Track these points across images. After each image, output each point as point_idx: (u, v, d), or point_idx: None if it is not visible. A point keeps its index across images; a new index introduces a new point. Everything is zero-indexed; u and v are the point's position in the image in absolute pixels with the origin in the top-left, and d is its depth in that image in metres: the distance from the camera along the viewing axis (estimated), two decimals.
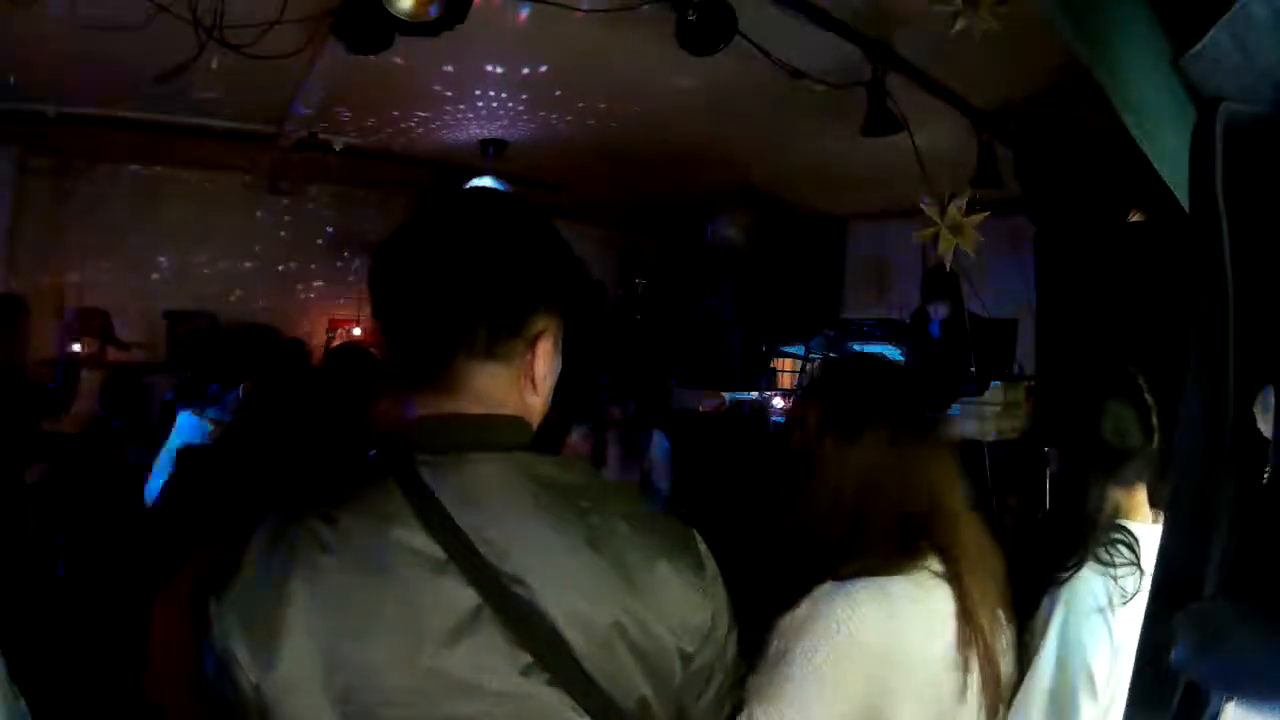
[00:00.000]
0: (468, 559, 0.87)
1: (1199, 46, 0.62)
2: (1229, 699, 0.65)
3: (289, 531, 0.90)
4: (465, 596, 0.87)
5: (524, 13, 2.88)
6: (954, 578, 1.21)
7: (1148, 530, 1.61)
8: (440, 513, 0.88)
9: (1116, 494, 1.64)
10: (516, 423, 0.97)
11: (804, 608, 1.16)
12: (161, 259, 5.52)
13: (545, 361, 0.98)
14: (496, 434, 0.95)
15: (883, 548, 1.21)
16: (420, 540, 0.88)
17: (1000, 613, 1.29)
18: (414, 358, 0.96)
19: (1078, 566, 1.56)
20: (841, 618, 1.14)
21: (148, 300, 5.38)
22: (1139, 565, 1.55)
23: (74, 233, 5.19)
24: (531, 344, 0.97)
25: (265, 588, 0.87)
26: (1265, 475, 0.66)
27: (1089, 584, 1.54)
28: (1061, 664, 1.49)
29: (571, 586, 0.88)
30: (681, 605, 0.92)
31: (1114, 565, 1.55)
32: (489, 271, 0.94)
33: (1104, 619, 1.52)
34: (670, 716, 0.93)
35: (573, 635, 0.87)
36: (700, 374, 5.87)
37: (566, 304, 1.01)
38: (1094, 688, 1.49)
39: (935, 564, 1.22)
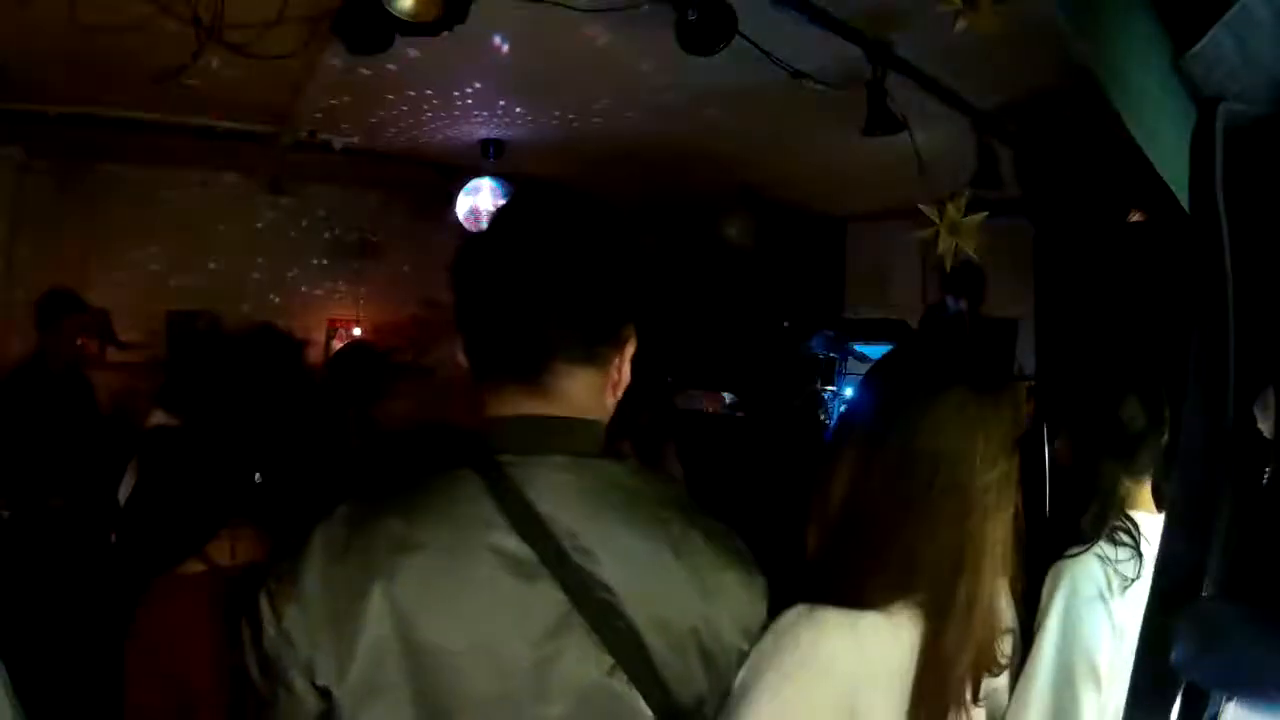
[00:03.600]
0: (559, 563, 0.87)
1: (1199, 46, 0.62)
2: (1229, 699, 0.65)
3: (363, 530, 0.88)
4: (556, 601, 0.87)
5: (523, 13, 2.87)
6: (931, 630, 1.06)
7: (1153, 520, 1.63)
8: (531, 515, 0.88)
9: (1127, 483, 1.66)
10: (595, 427, 0.97)
11: (768, 640, 1.03)
12: (161, 259, 5.51)
13: (628, 366, 1.00)
14: (578, 438, 0.95)
15: (867, 576, 1.07)
16: (511, 542, 0.87)
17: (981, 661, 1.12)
18: (508, 357, 0.95)
19: (1084, 549, 1.57)
20: (807, 649, 1.02)
21: (148, 300, 5.37)
22: (1139, 552, 1.57)
23: (74, 233, 5.19)
24: (620, 349, 0.99)
25: (339, 589, 0.85)
26: (1265, 475, 0.66)
27: (1089, 571, 1.55)
28: (1062, 652, 1.49)
29: (656, 594, 0.90)
30: (746, 610, 0.96)
31: (1115, 549, 1.57)
32: (592, 278, 0.95)
33: (1104, 605, 1.53)
34: (715, 709, 0.95)
35: (652, 640, 0.88)
36: (699, 374, 5.87)
37: (644, 311, 1.02)
38: (1097, 676, 1.49)
39: (918, 599, 1.07)
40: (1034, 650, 1.48)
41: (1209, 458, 0.65)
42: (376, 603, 0.84)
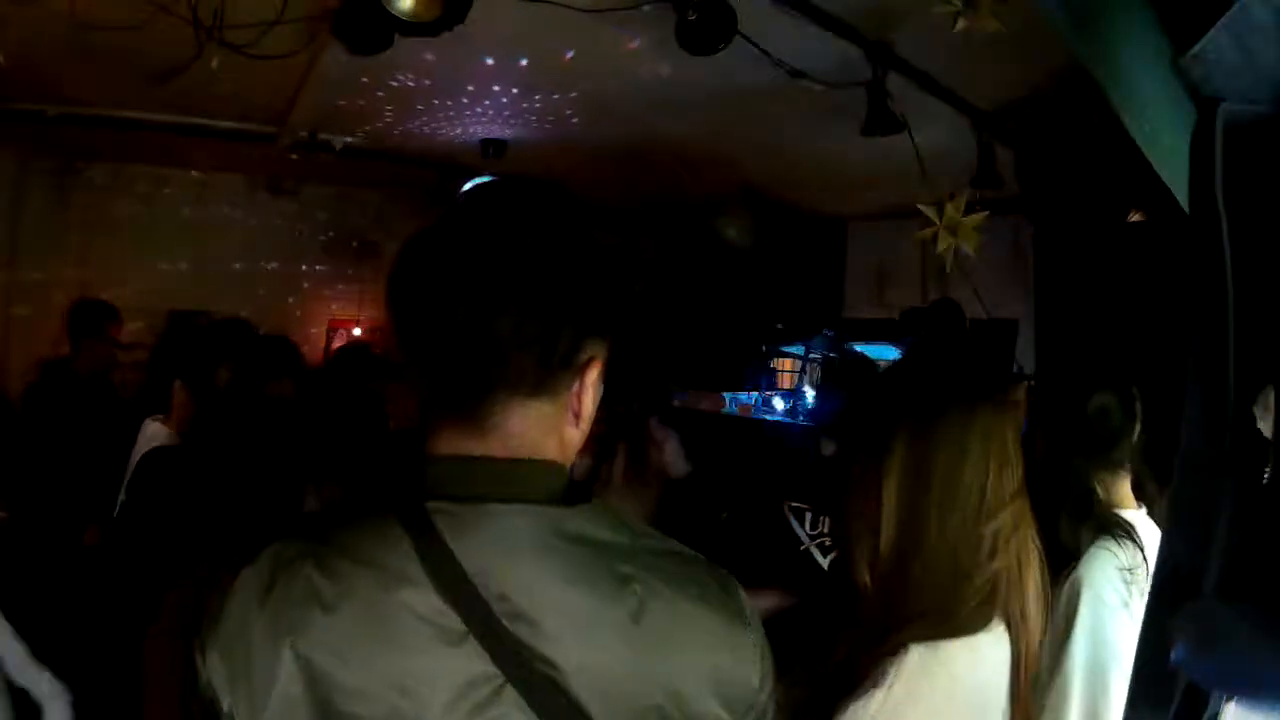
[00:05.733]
0: (489, 630, 0.76)
1: (1199, 46, 0.62)
2: (1229, 699, 0.65)
3: (281, 579, 0.79)
4: (484, 673, 0.76)
5: (524, 13, 2.87)
6: (1016, 633, 1.15)
7: (1134, 516, 1.66)
8: (458, 574, 0.77)
9: (1104, 479, 1.68)
10: (550, 469, 0.84)
11: (899, 689, 1.06)
12: (161, 259, 5.52)
13: (593, 393, 0.86)
14: (527, 483, 0.82)
15: (962, 602, 1.12)
16: (433, 604, 0.76)
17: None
18: (444, 390, 0.83)
19: (1079, 551, 1.58)
20: (944, 690, 1.08)
21: (148, 300, 5.37)
22: (1141, 547, 1.59)
23: (74, 233, 5.19)
24: (580, 374, 0.84)
25: (253, 642, 0.77)
26: (1265, 475, 0.66)
27: (1108, 579, 1.57)
28: (1092, 665, 1.51)
29: (608, 667, 0.77)
30: (730, 674, 0.81)
31: (1123, 552, 1.59)
32: (541, 295, 0.80)
33: (1128, 613, 1.55)
34: None
35: (601, 717, 0.77)
36: (700, 374, 5.87)
37: (617, 325, 0.89)
38: (1124, 669, 1.51)
39: (1001, 612, 1.15)
40: (1063, 659, 1.50)
41: (1209, 458, 0.65)
42: (287, 660, 0.76)
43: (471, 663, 0.76)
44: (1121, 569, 1.56)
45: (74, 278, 5.17)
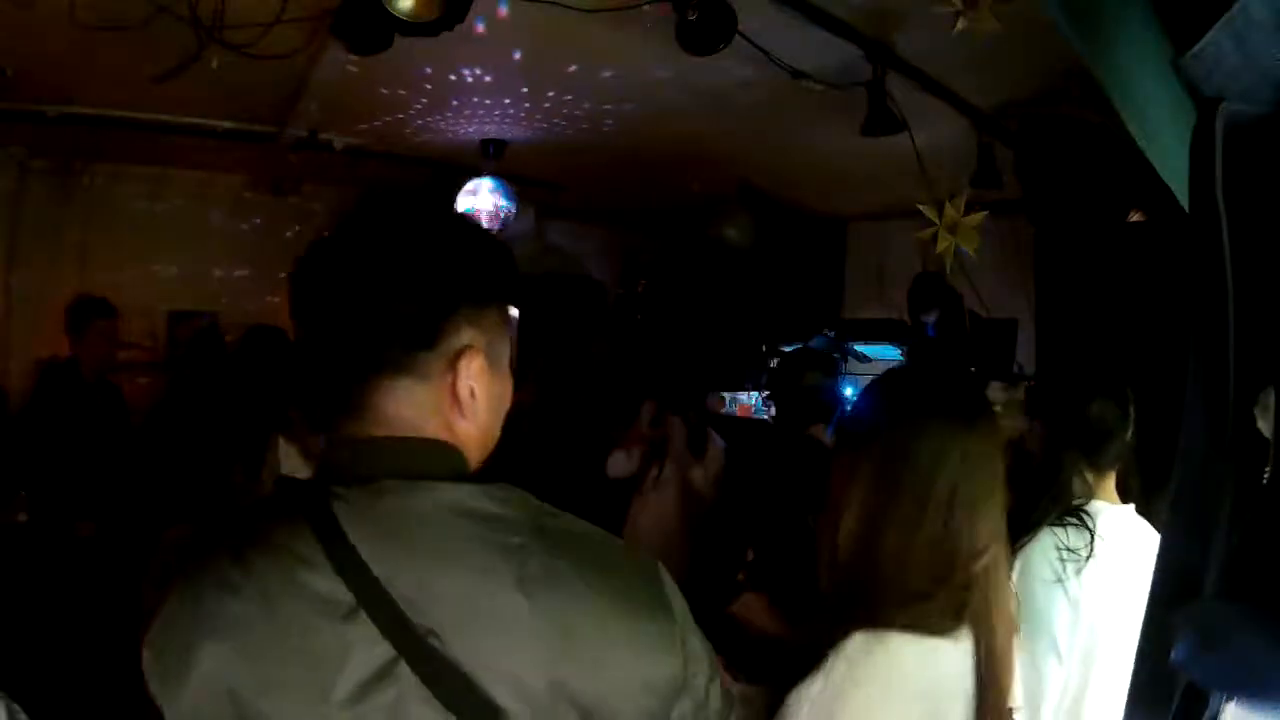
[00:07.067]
0: (379, 606, 0.78)
1: (1199, 46, 0.62)
2: (1229, 699, 0.65)
3: (198, 568, 0.84)
4: (377, 649, 0.78)
5: (524, 13, 2.87)
6: (983, 644, 1.14)
7: (1114, 509, 1.69)
8: (350, 553, 0.80)
9: (1089, 476, 1.72)
10: (442, 448, 0.87)
11: (840, 670, 1.07)
12: (161, 259, 5.51)
13: (477, 382, 0.88)
14: (419, 461, 0.85)
15: (932, 600, 1.12)
16: (328, 584, 0.79)
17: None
18: (322, 379, 0.89)
19: (1031, 535, 1.62)
20: (886, 679, 1.07)
21: (148, 300, 5.36)
22: (1091, 532, 1.61)
23: (74, 233, 5.18)
24: (453, 361, 0.87)
25: (176, 630, 0.82)
26: (1265, 475, 0.66)
27: (1045, 556, 1.60)
28: (1021, 633, 1.53)
29: (495, 640, 0.78)
30: (641, 660, 0.81)
31: (1068, 535, 1.61)
32: (389, 276, 0.86)
33: (1061, 586, 1.58)
34: None
35: (502, 696, 0.78)
36: (699, 375, 5.86)
37: (503, 314, 0.92)
38: (1058, 649, 1.55)
39: (969, 624, 1.15)
40: None
41: (1209, 458, 0.65)
42: (203, 647, 0.80)
43: (366, 639, 0.78)
44: (1060, 548, 1.59)
45: (74, 278, 5.17)
